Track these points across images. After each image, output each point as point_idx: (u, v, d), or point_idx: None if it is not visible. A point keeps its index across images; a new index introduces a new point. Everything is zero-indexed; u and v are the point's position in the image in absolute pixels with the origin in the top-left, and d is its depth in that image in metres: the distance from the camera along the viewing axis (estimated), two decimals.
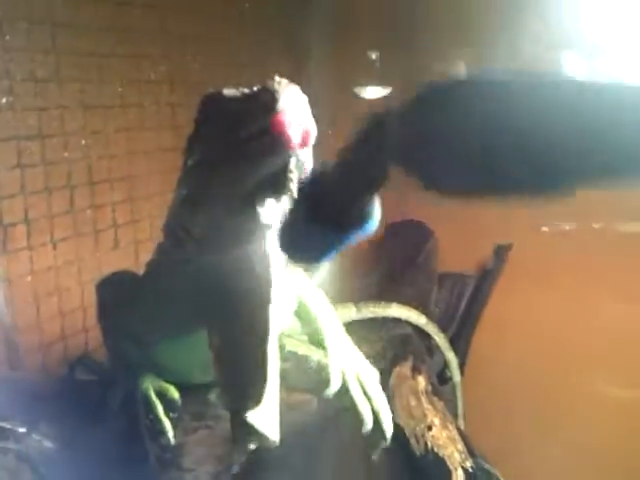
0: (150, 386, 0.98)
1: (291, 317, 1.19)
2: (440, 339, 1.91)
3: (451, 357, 1.92)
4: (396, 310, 1.83)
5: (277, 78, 0.66)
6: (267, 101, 0.64)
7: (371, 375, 1.12)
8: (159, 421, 0.96)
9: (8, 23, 1.18)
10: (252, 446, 0.84)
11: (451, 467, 1.31)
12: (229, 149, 0.68)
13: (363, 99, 2.19)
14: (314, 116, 0.66)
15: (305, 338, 1.56)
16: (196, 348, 0.96)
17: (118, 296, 1.00)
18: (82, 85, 1.35)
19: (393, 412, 1.53)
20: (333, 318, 1.20)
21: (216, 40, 1.69)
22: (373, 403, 1.07)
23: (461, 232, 2.12)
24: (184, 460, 1.01)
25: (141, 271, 0.95)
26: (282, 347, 1.42)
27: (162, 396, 0.99)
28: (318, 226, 0.64)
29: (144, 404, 0.95)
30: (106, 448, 0.86)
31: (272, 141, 0.65)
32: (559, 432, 1.97)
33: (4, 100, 1.18)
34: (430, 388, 1.59)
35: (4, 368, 1.19)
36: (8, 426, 0.71)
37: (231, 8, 1.70)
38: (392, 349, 1.69)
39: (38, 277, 1.31)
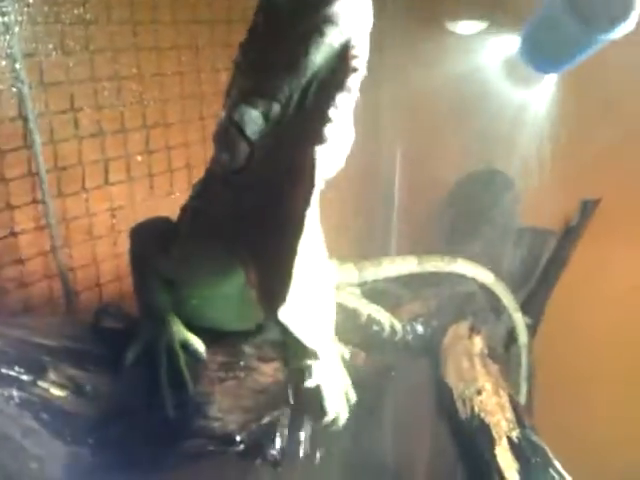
0: (174, 336, 0.99)
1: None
2: (507, 299, 1.80)
3: (518, 318, 1.81)
4: (461, 266, 1.75)
5: None
6: None
7: None
8: (180, 371, 0.96)
9: None
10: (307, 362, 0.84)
11: (496, 435, 1.25)
12: (290, 42, 0.68)
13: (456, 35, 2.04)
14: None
15: (357, 291, 1.54)
16: (230, 294, 0.96)
17: (152, 241, 1.00)
18: (134, 27, 1.33)
19: (444, 372, 1.49)
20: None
21: None
22: None
23: (546, 183, 1.96)
24: (210, 409, 1.03)
25: None
26: None
27: (186, 347, 1.00)
28: (570, 21, 0.63)
29: (167, 354, 0.96)
30: (121, 397, 0.88)
31: (329, 28, 0.65)
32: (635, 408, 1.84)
33: (51, 46, 1.19)
34: (486, 350, 1.51)
35: (26, 313, 1.25)
36: (13, 373, 0.74)
37: None
38: (451, 307, 1.63)
39: (93, 219, 1.36)
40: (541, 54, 0.77)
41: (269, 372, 1.14)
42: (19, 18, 1.13)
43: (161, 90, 1.41)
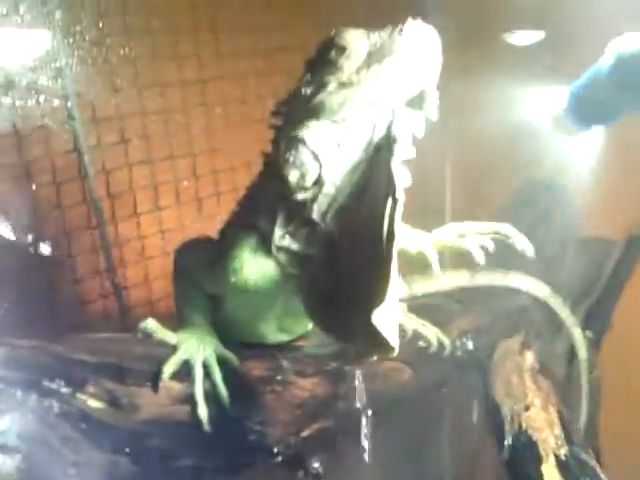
0: (213, 351, 1.03)
1: None
2: (565, 314, 1.74)
3: (577, 333, 1.75)
4: (515, 279, 1.71)
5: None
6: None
7: None
8: (217, 386, 1.00)
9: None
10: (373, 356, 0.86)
11: (543, 453, 1.22)
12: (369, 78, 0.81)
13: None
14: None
15: (404, 306, 1.53)
16: (272, 305, 1.00)
17: (195, 258, 1.06)
18: (180, 62, 1.42)
19: (493, 388, 1.46)
20: None
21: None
22: None
23: (607, 192, 1.90)
24: (247, 422, 1.06)
25: None
26: None
27: (223, 362, 1.04)
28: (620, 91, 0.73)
29: (204, 368, 1.01)
30: (157, 408, 0.93)
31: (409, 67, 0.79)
32: None
33: (100, 84, 1.28)
34: (537, 366, 1.48)
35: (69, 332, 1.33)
36: (54, 386, 0.81)
37: None
38: (503, 322, 1.60)
39: (144, 241, 1.44)
40: (587, 115, 0.84)
41: (307, 386, 1.16)
42: (70, 61, 1.23)
43: (207, 119, 1.49)
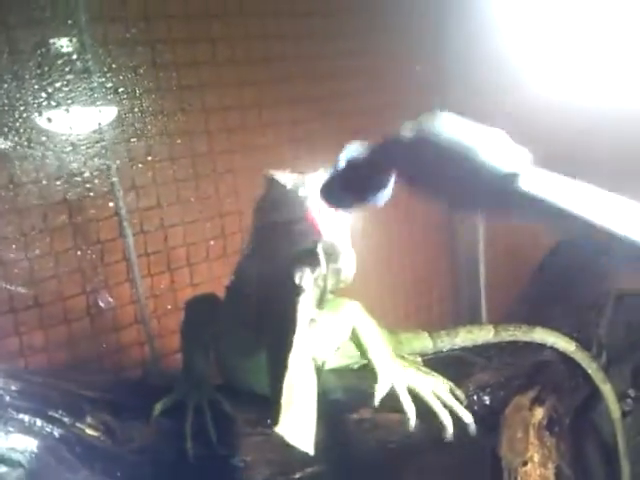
0: (204, 395, 1.16)
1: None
2: (592, 369, 1.72)
3: (607, 390, 1.72)
4: (540, 335, 1.72)
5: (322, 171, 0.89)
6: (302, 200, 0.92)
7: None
8: (206, 426, 1.13)
9: None
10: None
11: None
12: (275, 226, 0.96)
13: None
14: None
15: (418, 359, 1.59)
16: (257, 364, 1.13)
17: (201, 313, 1.22)
18: (208, 136, 1.62)
19: (498, 442, 1.48)
20: (382, 347, 1.24)
21: None
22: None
23: None
24: (235, 459, 1.17)
25: None
26: None
27: (215, 405, 1.17)
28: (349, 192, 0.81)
29: (195, 410, 1.13)
30: (151, 442, 1.07)
31: (303, 228, 0.92)
32: None
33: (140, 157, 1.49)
34: (545, 422, 1.48)
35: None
36: (57, 415, 0.97)
37: None
38: (520, 377, 1.61)
39: (177, 294, 1.63)
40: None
41: None
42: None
43: (234, 184, 1.67)
